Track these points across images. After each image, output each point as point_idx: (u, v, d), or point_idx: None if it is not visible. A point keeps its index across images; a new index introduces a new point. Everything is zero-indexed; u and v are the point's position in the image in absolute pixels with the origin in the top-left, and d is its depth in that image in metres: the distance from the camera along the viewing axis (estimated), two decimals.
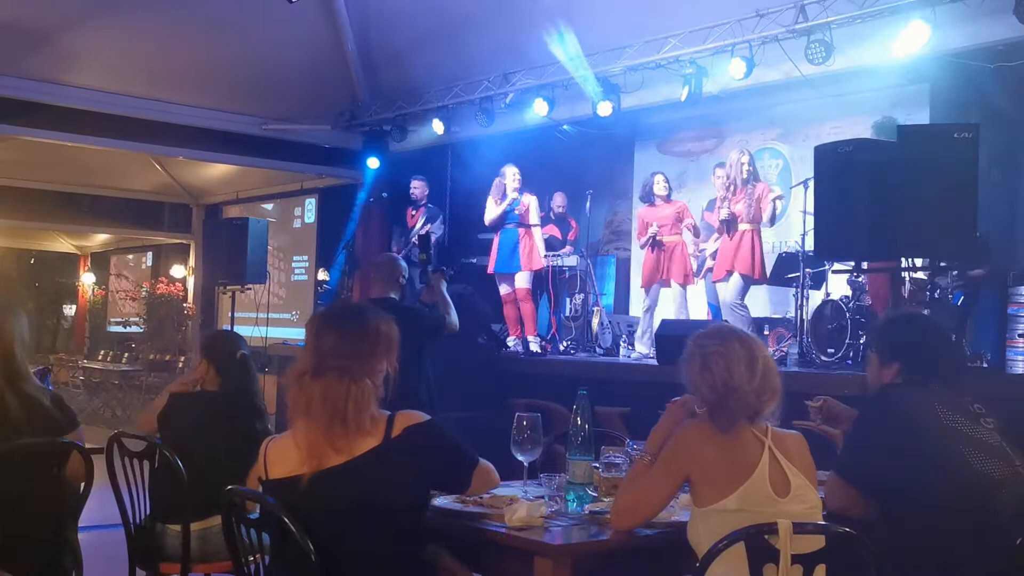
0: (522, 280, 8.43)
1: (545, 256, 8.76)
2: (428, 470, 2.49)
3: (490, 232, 9.24)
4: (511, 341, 8.58)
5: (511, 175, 8.44)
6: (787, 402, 2.63)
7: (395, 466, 2.43)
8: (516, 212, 8.42)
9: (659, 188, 8.16)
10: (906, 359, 2.93)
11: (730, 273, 7.44)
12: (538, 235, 8.56)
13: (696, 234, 8.38)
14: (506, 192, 8.42)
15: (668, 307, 8.14)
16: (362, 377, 2.47)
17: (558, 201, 9.68)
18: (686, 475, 2.53)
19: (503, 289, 8.59)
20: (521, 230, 8.40)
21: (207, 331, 10.38)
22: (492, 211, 8.51)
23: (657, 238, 8.03)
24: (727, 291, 7.48)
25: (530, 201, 8.45)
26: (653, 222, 8.07)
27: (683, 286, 8.01)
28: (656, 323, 7.68)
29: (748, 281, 7.46)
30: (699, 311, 8.35)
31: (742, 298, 7.47)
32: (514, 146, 8.99)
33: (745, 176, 7.51)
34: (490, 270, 8.65)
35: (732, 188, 7.54)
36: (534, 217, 8.45)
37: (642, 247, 8.35)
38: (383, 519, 2.42)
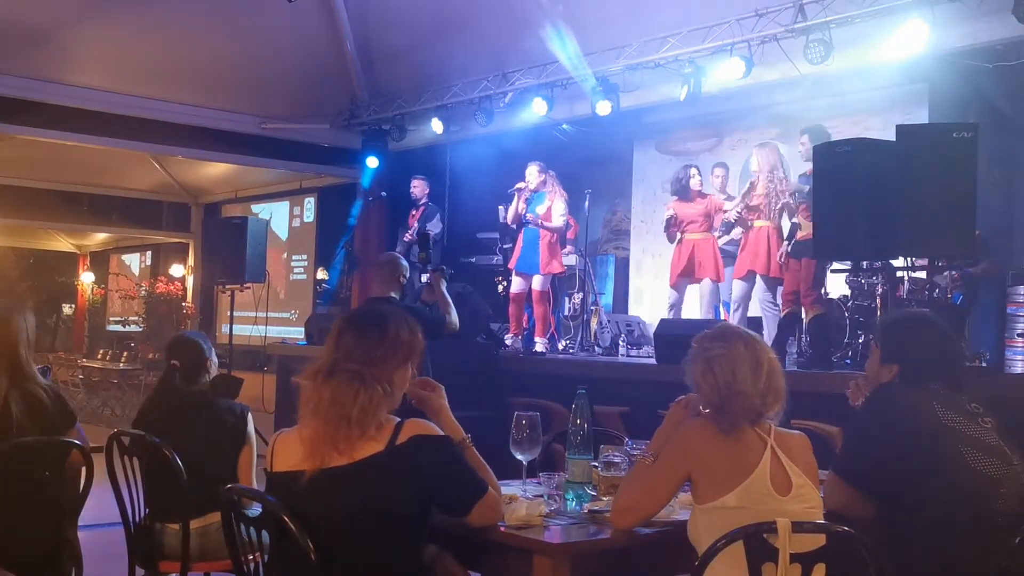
0: (539, 282, 8.37)
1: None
2: (430, 484, 2.46)
3: (490, 231, 9.26)
4: (508, 339, 8.57)
5: (530, 174, 8.38)
6: (787, 401, 2.62)
7: (395, 473, 2.41)
8: (536, 210, 8.36)
9: (695, 182, 7.96)
10: (907, 363, 2.93)
11: (752, 272, 7.32)
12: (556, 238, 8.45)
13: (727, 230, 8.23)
14: (529, 192, 8.38)
15: (695, 304, 8.06)
16: (373, 383, 2.45)
17: None
18: (687, 474, 2.54)
19: (516, 286, 8.52)
20: (541, 231, 8.33)
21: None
22: (509, 212, 8.51)
23: (684, 234, 7.90)
24: (758, 286, 7.35)
25: (552, 202, 8.34)
26: (683, 218, 7.91)
27: (714, 282, 7.91)
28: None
29: (774, 280, 7.31)
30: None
31: (774, 295, 7.33)
32: (513, 145, 8.99)
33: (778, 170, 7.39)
34: (510, 265, 8.61)
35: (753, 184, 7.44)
36: (555, 219, 8.33)
37: (671, 240, 8.17)
38: (381, 524, 2.41)
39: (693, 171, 8.04)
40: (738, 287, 7.42)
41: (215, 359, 3.99)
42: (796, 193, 7.08)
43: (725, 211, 7.76)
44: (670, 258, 8.13)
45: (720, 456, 2.49)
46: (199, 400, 3.81)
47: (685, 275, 7.92)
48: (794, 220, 7.06)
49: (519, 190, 8.38)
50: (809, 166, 7.19)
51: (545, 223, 8.29)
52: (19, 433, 3.30)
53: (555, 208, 8.31)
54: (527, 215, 8.34)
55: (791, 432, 2.61)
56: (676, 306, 8.00)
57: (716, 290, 7.93)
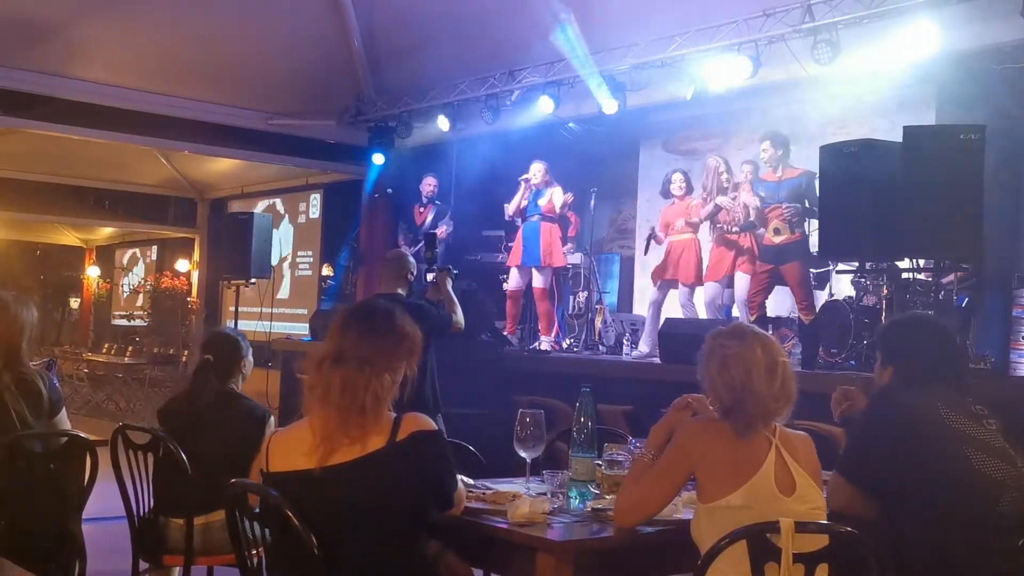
0: (540, 279, 8.46)
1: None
2: (428, 479, 2.48)
3: (496, 228, 9.27)
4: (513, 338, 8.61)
5: (535, 171, 8.52)
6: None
7: (397, 469, 2.42)
8: (538, 203, 8.49)
9: (675, 187, 8.18)
10: (905, 364, 2.93)
11: (730, 276, 7.56)
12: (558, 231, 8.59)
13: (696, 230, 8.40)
14: (533, 187, 8.52)
15: (674, 308, 8.15)
16: (382, 371, 2.47)
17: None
18: (689, 474, 2.53)
19: (515, 283, 8.61)
20: (543, 223, 8.46)
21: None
22: (512, 203, 8.64)
23: (660, 235, 8.12)
24: (738, 291, 7.53)
25: (554, 194, 8.48)
26: (667, 221, 8.16)
27: (689, 287, 7.99)
28: (662, 321, 7.72)
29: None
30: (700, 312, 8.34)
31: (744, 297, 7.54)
32: (519, 143, 8.99)
33: (721, 183, 7.69)
34: (510, 263, 8.72)
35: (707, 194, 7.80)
36: (557, 207, 8.47)
37: (646, 241, 8.44)
38: (384, 519, 2.42)
39: (676, 176, 8.23)
40: (711, 289, 7.66)
41: (251, 360, 3.92)
42: (763, 198, 7.36)
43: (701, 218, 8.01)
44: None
45: (725, 454, 2.48)
46: (225, 399, 3.78)
47: (660, 276, 8.09)
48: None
49: (526, 180, 8.53)
50: (770, 170, 7.41)
51: (548, 214, 8.43)
52: (19, 421, 3.32)
53: (555, 198, 8.45)
54: (529, 207, 8.52)
55: (796, 432, 2.61)
56: (655, 304, 8.11)
57: (689, 294, 8.05)
